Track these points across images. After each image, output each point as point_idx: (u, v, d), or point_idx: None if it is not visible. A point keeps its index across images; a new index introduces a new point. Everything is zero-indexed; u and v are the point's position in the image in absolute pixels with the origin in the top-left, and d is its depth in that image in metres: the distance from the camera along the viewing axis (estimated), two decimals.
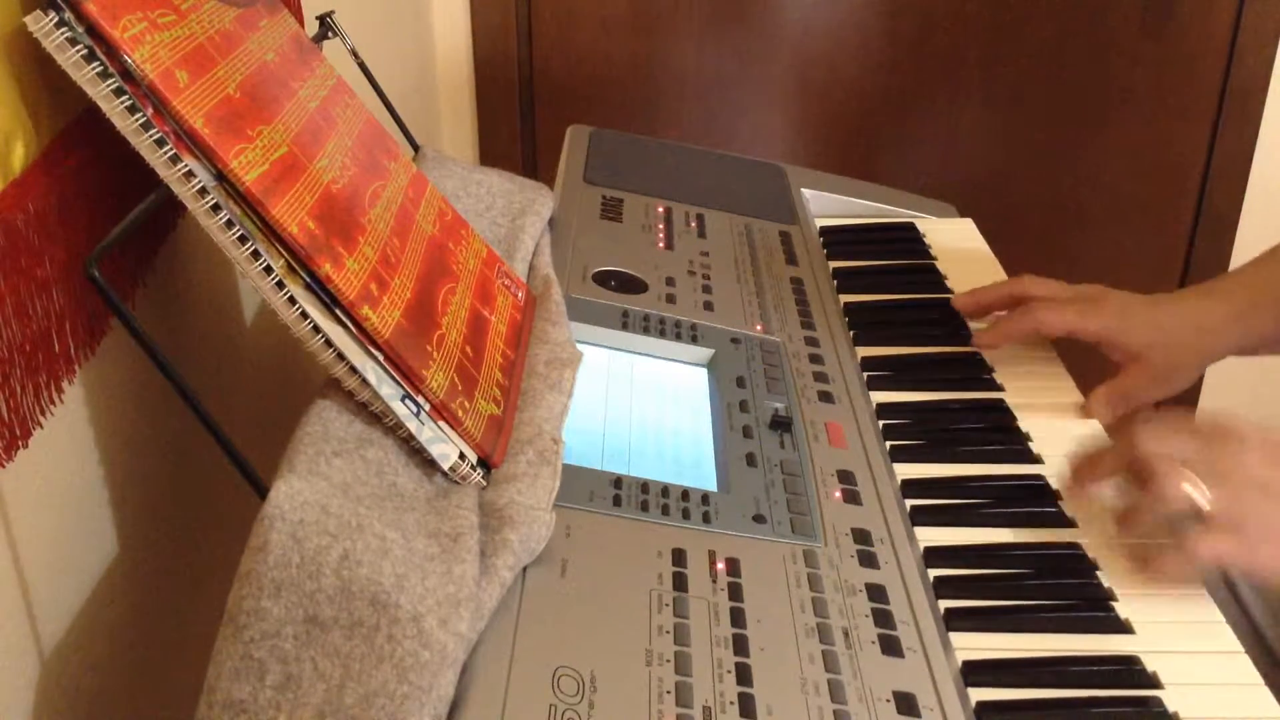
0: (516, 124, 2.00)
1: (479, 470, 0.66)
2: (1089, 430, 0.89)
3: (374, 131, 0.81)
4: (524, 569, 0.61)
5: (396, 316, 0.65)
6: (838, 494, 0.75)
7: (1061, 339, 0.98)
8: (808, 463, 0.77)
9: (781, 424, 0.80)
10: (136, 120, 0.55)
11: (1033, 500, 0.80)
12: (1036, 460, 0.84)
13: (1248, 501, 0.70)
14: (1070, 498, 0.79)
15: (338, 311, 0.62)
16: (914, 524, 0.77)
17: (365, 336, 0.63)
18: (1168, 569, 0.72)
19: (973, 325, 1.01)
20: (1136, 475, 0.74)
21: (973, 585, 0.72)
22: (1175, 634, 0.69)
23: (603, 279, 0.95)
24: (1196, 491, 0.71)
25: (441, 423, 0.66)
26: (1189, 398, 2.01)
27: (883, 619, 0.65)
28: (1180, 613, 0.71)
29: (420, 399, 0.65)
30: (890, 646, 0.63)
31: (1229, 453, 0.72)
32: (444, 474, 0.66)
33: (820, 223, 1.19)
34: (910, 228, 1.20)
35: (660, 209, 1.10)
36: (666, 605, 0.62)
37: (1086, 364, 1.00)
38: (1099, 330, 0.95)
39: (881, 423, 0.87)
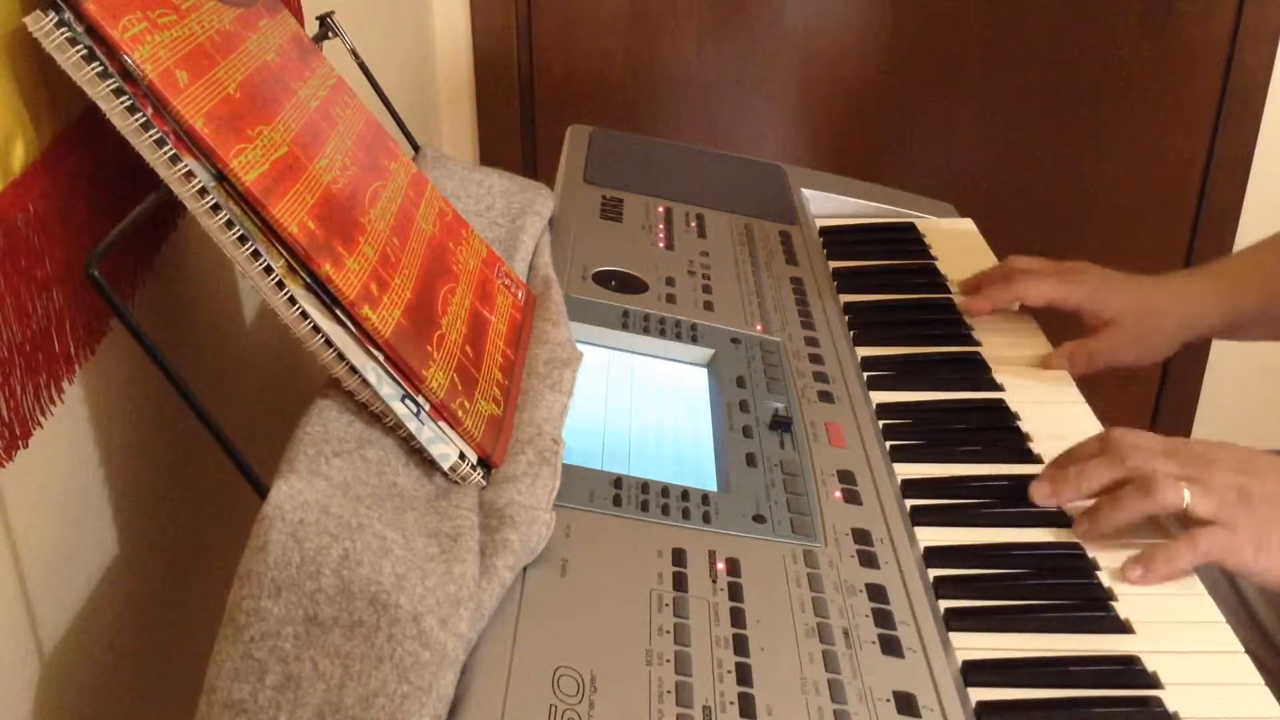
0: (516, 124, 2.00)
1: (479, 470, 0.66)
2: (1087, 427, 0.89)
3: (374, 131, 0.81)
4: (524, 569, 0.61)
5: (396, 316, 0.65)
6: (838, 494, 0.75)
7: (1049, 314, 1.01)
8: (808, 463, 0.77)
9: (781, 424, 0.80)
10: (136, 120, 0.55)
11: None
12: (1036, 460, 0.84)
13: (1232, 506, 0.74)
14: (1042, 502, 0.79)
15: (338, 311, 0.62)
16: (914, 524, 0.77)
17: (365, 336, 0.63)
18: (1175, 563, 0.74)
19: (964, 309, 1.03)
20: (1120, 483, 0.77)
21: (973, 585, 0.72)
22: (1175, 634, 0.69)
23: (603, 279, 0.95)
24: (1190, 497, 0.74)
25: (441, 423, 0.66)
26: (1188, 402, 2.01)
27: (883, 619, 0.65)
28: (1180, 613, 0.71)
29: (420, 399, 0.65)
30: (890, 646, 0.63)
31: (1202, 462, 0.76)
32: (444, 474, 0.66)
33: (820, 223, 1.19)
34: (910, 228, 1.20)
35: (660, 209, 1.10)
36: (666, 605, 0.62)
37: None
38: (1078, 298, 0.99)
39: (881, 423, 0.87)
